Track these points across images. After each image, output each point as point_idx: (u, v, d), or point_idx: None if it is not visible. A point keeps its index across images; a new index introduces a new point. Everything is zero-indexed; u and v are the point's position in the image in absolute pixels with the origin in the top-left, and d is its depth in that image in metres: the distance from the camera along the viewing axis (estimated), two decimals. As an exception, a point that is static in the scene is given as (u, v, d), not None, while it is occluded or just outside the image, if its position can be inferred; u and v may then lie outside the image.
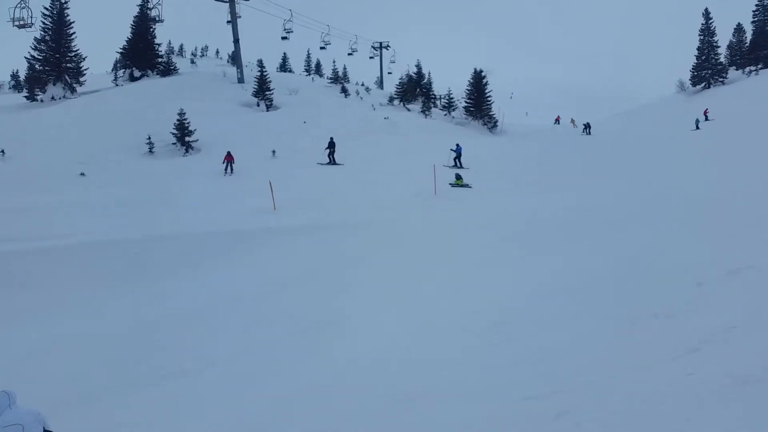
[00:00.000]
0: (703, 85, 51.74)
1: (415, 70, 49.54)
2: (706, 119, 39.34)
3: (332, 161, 26.52)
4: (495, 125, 40.80)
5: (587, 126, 41.68)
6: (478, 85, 41.89)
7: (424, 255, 13.10)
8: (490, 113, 41.45)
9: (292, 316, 10.06)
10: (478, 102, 41.45)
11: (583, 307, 7.57)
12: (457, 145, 27.02)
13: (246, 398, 6.86)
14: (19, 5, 32.02)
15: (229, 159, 24.25)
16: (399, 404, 5.58)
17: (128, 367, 8.68)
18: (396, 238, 15.09)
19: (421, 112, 41.63)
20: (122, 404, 7.48)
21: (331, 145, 26.54)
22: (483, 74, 43.00)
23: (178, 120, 28.06)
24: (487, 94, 41.72)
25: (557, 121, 52.25)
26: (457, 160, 26.51)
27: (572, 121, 50.21)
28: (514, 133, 40.58)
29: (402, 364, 6.83)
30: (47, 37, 37.15)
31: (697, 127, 37.26)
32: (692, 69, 52.73)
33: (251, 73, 42.69)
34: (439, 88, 55.56)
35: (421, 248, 13.73)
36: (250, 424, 6.05)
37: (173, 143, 28.18)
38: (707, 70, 51.48)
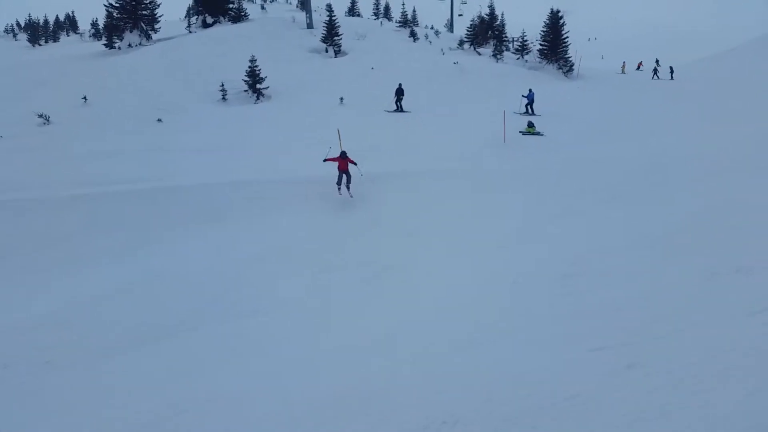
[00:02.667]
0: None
1: (487, 11, 47.58)
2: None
3: (400, 108, 26.23)
4: (571, 69, 38.96)
5: (672, 70, 39.34)
6: (554, 26, 39.86)
7: (491, 206, 12.90)
8: (567, 57, 39.55)
9: (359, 263, 10.25)
10: (553, 45, 39.54)
11: (659, 260, 7.26)
12: (530, 90, 25.98)
13: (314, 338, 7.12)
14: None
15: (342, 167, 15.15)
16: (464, 348, 5.62)
17: (204, 305, 9.19)
18: (463, 188, 14.91)
19: (493, 56, 40.19)
20: (196, 339, 7.96)
21: (399, 92, 26.15)
22: (560, 15, 40.85)
23: (249, 67, 28.46)
24: (564, 36, 39.71)
25: (639, 67, 49.85)
26: (528, 107, 25.58)
27: (639, 64, 48.27)
28: (591, 78, 38.67)
29: (468, 311, 6.84)
30: (124, -15, 38.07)
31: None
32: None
33: (320, 18, 42.42)
34: (512, 31, 53.52)
35: (488, 199, 13.52)
36: (316, 361, 6.28)
37: (245, 90, 28.71)
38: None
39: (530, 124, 22.39)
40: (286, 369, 6.33)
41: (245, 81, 28.63)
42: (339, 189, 14.71)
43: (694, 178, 11.99)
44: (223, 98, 27.86)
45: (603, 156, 17.28)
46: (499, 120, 20.77)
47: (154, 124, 23.10)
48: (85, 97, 24.28)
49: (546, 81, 35.33)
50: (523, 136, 21.78)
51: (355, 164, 14.88)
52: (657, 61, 44.34)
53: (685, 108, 25.19)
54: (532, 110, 25.44)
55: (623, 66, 47.20)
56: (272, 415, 5.18)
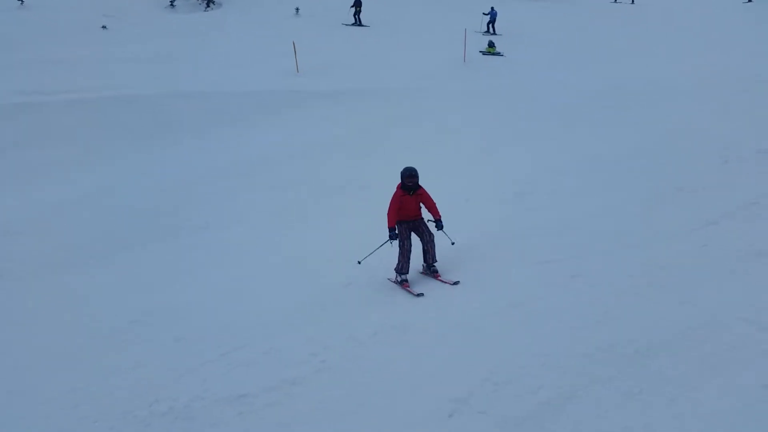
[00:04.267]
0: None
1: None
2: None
3: (358, 22, 25.25)
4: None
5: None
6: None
7: (450, 126, 12.80)
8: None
9: (314, 180, 10.12)
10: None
11: (610, 181, 7.50)
12: (492, 8, 25.23)
13: (267, 254, 7.13)
14: None
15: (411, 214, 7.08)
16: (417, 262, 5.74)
17: (155, 220, 9.01)
18: (419, 108, 14.71)
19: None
20: (150, 253, 7.86)
21: (357, 4, 24.96)
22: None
23: (198, -29, 26.77)
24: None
25: None
26: (490, 26, 24.99)
27: None
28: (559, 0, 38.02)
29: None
30: None
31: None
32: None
33: None
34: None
35: (447, 120, 13.38)
36: (266, 279, 6.33)
37: (194, -4, 27.11)
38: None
39: (491, 44, 21.99)
40: (242, 281, 6.37)
41: (195, -13, 26.99)
42: (407, 283, 5.58)
43: (648, 104, 12.18)
44: (171, 4, 26.29)
45: (561, 80, 17.26)
46: (460, 38, 20.36)
47: (98, 32, 21.76)
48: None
49: None
50: (483, 56, 21.46)
51: (437, 216, 5.80)
52: None
53: (645, 34, 25.19)
54: (494, 29, 24.89)
55: None
56: (232, 325, 5.25)
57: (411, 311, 4.75)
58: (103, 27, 22.08)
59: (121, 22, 23.05)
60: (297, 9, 26.02)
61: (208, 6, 26.98)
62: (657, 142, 8.89)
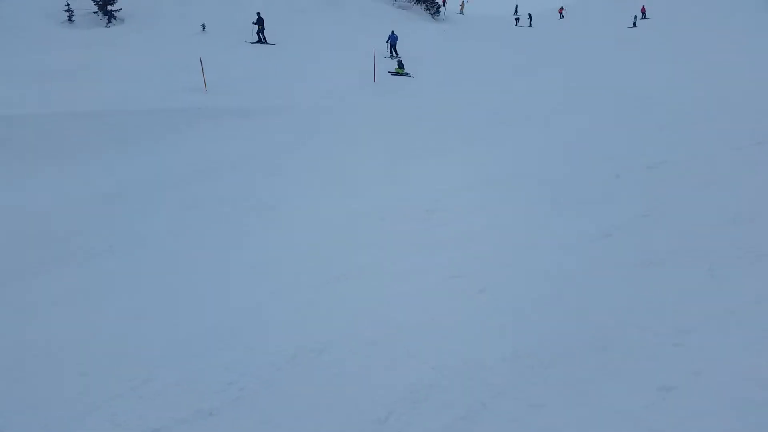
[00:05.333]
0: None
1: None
2: (644, 17, 40.06)
3: (263, 40, 25.04)
4: (437, 11, 39.54)
5: (530, 17, 41.48)
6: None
7: (358, 143, 13.04)
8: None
9: (223, 200, 9.97)
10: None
11: (510, 194, 7.93)
12: (392, 32, 25.91)
13: (174, 278, 6.93)
14: None
15: None
16: (334, 282, 5.80)
17: (55, 244, 8.49)
18: (331, 125, 14.90)
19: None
20: (49, 281, 7.41)
21: (260, 22, 24.64)
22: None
23: (96, -15, 25.62)
24: (432, -24, 39.94)
25: (561, 13, 44.73)
26: (393, 50, 25.41)
27: (461, 5, 47.02)
28: (458, 21, 39.65)
29: (337, 246, 7.01)
30: None
31: (635, 25, 38.03)
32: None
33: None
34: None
35: (355, 137, 13.64)
36: (174, 303, 6.16)
37: (94, 12, 25.85)
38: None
39: (400, 64, 22.63)
40: (149, 306, 6.15)
41: (94, 1, 25.76)
42: None
43: (542, 118, 13.02)
44: (69, 20, 24.96)
45: (463, 98, 18.03)
46: (368, 59, 20.78)
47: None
48: None
49: (414, 21, 35.65)
50: (392, 76, 22.02)
51: None
52: (516, 8, 46.41)
53: (533, 55, 26.79)
54: (396, 53, 25.41)
55: (461, 6, 47.11)
56: (141, 354, 5.06)
57: (329, 332, 4.80)
58: (-9, 41, 20.65)
59: (15, 36, 21.63)
60: (203, 26, 25.50)
61: (109, 21, 25.85)
62: (551, 155, 9.53)
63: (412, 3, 39.72)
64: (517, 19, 42.08)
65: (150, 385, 4.44)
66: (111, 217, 9.51)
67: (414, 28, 32.99)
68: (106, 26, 25.59)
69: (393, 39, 25.15)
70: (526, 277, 5.00)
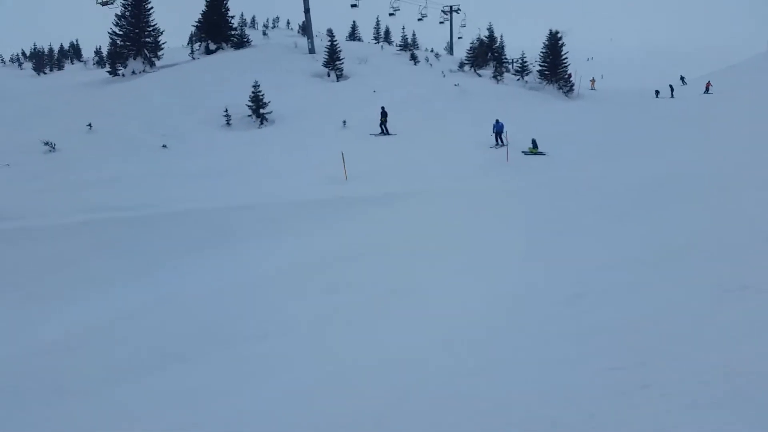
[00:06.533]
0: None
1: (486, 33, 48.06)
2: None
3: (385, 131, 26.43)
4: (571, 90, 39.28)
5: (672, 88, 39.87)
6: (553, 47, 40.29)
7: (499, 224, 12.93)
8: (566, 77, 39.91)
9: (369, 283, 10.24)
10: (553, 65, 39.93)
11: (666, 278, 7.28)
12: (497, 120, 24.44)
13: (326, 361, 7.09)
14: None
15: None
16: (477, 372, 5.60)
17: (213, 329, 9.15)
18: (470, 207, 14.97)
19: (493, 77, 40.54)
20: (206, 364, 7.92)
21: (383, 115, 26.44)
22: (559, 35, 41.32)
23: (252, 92, 28.73)
24: (563, 57, 40.11)
25: (707, 89, 41.51)
26: (498, 137, 24.05)
27: (592, 81, 48.93)
28: (591, 98, 39.01)
29: (477, 333, 6.83)
30: (127, 13, 38.60)
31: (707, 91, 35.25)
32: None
33: (321, 43, 42.96)
34: (511, 53, 54.08)
35: (496, 217, 13.55)
36: (330, 385, 6.25)
37: (249, 115, 28.94)
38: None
39: (534, 144, 22.51)
40: (291, 396, 6.30)
41: (249, 106, 28.89)
42: None
43: (697, 195, 12.05)
44: (227, 123, 28.10)
45: (605, 174, 17.37)
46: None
47: (159, 150, 23.27)
48: (90, 124, 24.48)
49: (547, 101, 35.64)
50: (526, 156, 21.90)
51: None
52: (592, 80, 46.51)
53: (676, 129, 25.33)
54: (502, 140, 23.80)
55: (592, 82, 50.19)
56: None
57: (481, 427, 4.57)
58: (164, 146, 23.63)
59: (180, 142, 24.66)
60: (344, 122, 27.44)
61: (261, 123, 28.73)
62: (711, 233, 8.72)
63: (544, 83, 39.89)
64: (657, 92, 40.53)
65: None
66: (264, 302, 10.12)
67: (549, 107, 32.96)
68: (258, 128, 28.41)
69: (498, 127, 24.61)
70: (700, 370, 4.45)
